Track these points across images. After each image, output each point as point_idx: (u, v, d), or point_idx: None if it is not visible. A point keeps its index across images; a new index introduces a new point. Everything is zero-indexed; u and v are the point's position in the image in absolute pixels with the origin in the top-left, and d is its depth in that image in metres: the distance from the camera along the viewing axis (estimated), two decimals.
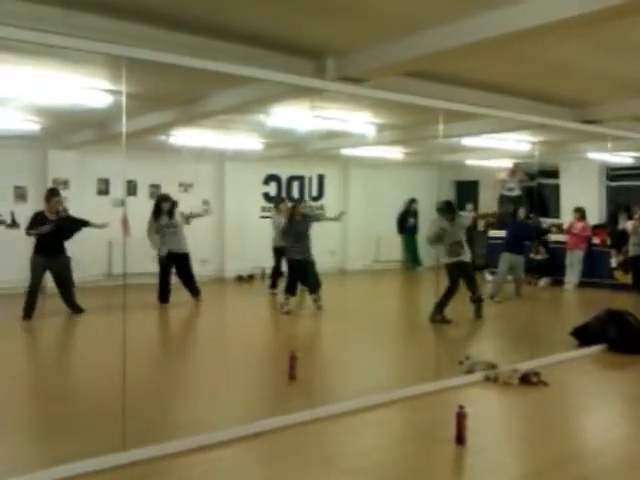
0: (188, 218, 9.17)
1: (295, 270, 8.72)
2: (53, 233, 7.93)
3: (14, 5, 3.78)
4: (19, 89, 5.90)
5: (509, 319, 8.64)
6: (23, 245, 9.99)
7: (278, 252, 10.01)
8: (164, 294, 8.95)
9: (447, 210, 8.09)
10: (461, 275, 8.05)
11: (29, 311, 8.00)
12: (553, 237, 12.07)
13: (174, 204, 9.09)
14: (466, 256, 8.07)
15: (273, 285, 10.31)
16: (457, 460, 3.84)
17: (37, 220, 7.98)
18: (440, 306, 7.83)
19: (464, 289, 8.14)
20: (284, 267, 9.63)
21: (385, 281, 12.99)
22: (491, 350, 6.80)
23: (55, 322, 8.20)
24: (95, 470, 3.45)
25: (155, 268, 9.04)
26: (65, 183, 10.56)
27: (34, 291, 8.07)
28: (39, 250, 8.08)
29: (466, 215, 8.48)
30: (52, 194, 8.17)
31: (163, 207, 8.98)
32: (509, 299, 9.78)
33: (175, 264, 9.02)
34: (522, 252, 9.98)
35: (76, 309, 8.36)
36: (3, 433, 4.19)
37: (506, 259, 9.84)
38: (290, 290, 8.71)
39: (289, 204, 9.83)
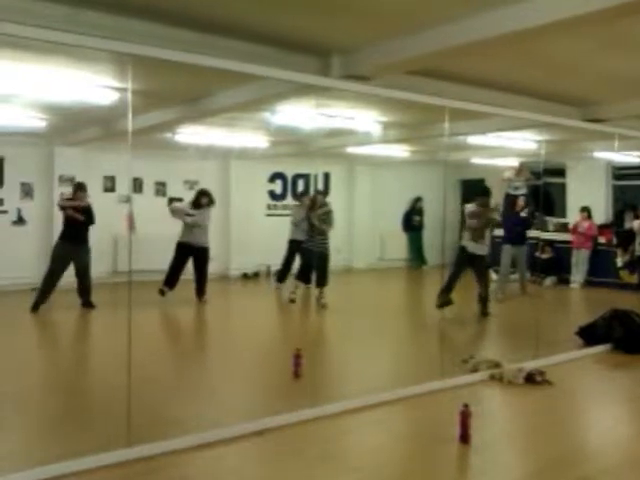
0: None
1: (310, 260, 8.73)
2: (80, 221, 8.18)
3: (20, 2, 3.79)
4: (26, 86, 5.91)
5: (514, 318, 8.62)
6: (30, 242, 10.08)
7: (293, 245, 9.96)
8: (171, 279, 8.92)
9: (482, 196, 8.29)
10: (473, 267, 8.08)
11: (39, 303, 8.08)
12: (559, 236, 12.06)
13: (212, 202, 9.19)
14: (483, 250, 8.11)
15: (280, 279, 10.24)
16: (461, 459, 3.84)
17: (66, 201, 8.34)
18: (446, 291, 7.87)
19: (466, 286, 8.17)
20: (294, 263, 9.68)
21: (390, 279, 12.98)
22: (496, 349, 6.80)
23: (61, 318, 8.24)
24: (99, 466, 3.46)
25: (161, 265, 9.05)
26: (71, 180, 10.58)
27: (52, 280, 8.17)
28: (65, 237, 8.26)
29: (496, 206, 8.63)
30: (79, 189, 8.48)
31: (202, 202, 9.05)
32: (514, 297, 9.77)
33: (194, 257, 9.03)
34: (523, 243, 9.90)
35: (88, 304, 8.45)
36: (9, 428, 4.21)
37: (507, 250, 9.88)
38: (302, 278, 8.79)
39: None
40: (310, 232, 8.79)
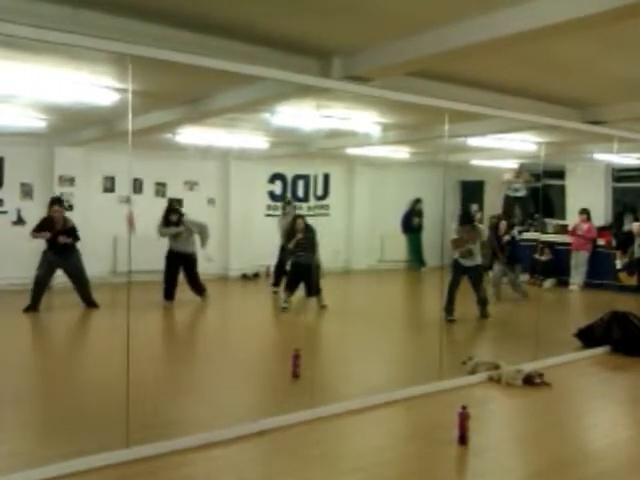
0: None
1: (297, 273, 8.83)
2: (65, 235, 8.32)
3: (20, 3, 3.79)
4: (26, 86, 5.91)
5: (513, 319, 8.63)
6: (30, 242, 10.07)
7: (284, 250, 10.00)
8: (170, 291, 9.01)
9: (463, 220, 8.36)
10: (467, 277, 8.13)
11: (31, 307, 8.14)
12: (558, 238, 12.07)
13: (182, 215, 9.25)
14: (475, 261, 8.12)
15: (276, 283, 10.30)
16: (459, 461, 3.84)
17: (44, 224, 8.34)
18: (450, 303, 7.91)
19: (465, 287, 8.17)
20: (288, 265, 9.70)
21: (389, 281, 12.98)
22: (494, 350, 6.80)
23: (62, 318, 8.24)
24: (99, 466, 3.47)
25: (161, 265, 9.06)
26: (71, 180, 10.60)
27: (40, 286, 8.26)
28: (52, 249, 8.35)
29: (483, 228, 8.65)
30: (52, 203, 8.56)
31: (171, 218, 9.09)
32: (513, 299, 9.77)
33: (182, 263, 9.10)
34: (512, 263, 9.95)
35: (91, 304, 8.52)
36: (9, 429, 4.22)
37: (496, 268, 10.02)
38: (290, 288, 8.86)
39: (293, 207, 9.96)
40: (296, 247, 8.83)
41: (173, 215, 9.16)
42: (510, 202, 12.20)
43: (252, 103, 6.14)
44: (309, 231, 8.97)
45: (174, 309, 8.90)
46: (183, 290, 9.12)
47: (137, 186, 11.27)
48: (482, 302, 8.24)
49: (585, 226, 11.38)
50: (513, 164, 12.42)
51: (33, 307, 8.14)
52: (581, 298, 10.98)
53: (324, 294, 8.82)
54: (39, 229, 8.32)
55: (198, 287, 9.20)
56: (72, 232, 8.40)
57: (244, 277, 12.23)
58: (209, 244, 9.43)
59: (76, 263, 8.45)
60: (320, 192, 13.65)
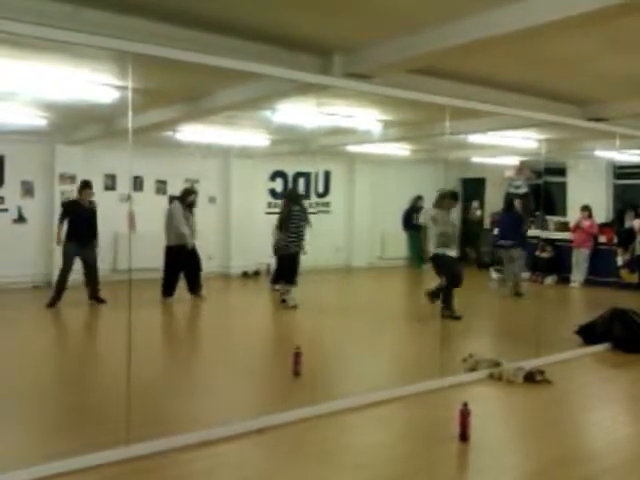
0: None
1: (288, 263, 8.80)
2: (87, 220, 8.43)
3: (22, 0, 3.78)
4: (26, 84, 5.91)
5: (514, 317, 8.63)
6: (31, 240, 10.09)
7: None
8: (170, 287, 8.95)
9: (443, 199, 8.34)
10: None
11: (55, 300, 8.26)
12: (559, 235, 12.07)
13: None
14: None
15: (276, 281, 10.26)
16: (460, 458, 3.84)
17: (72, 206, 8.53)
18: (446, 302, 7.84)
19: (470, 285, 8.18)
20: None
21: (390, 278, 12.98)
22: (495, 348, 6.80)
23: (62, 315, 8.24)
24: (98, 464, 3.46)
25: (161, 263, 9.02)
26: (72, 178, 10.58)
27: (64, 278, 8.34)
28: (71, 237, 8.40)
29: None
30: (85, 186, 8.71)
31: (190, 199, 9.11)
32: (509, 297, 9.77)
33: (185, 256, 8.94)
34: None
35: (97, 299, 8.54)
36: (7, 426, 4.22)
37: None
38: (291, 280, 8.86)
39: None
40: (291, 233, 8.74)
41: (191, 195, 9.17)
42: (511, 199, 12.18)
43: (253, 101, 6.14)
44: (303, 212, 8.96)
45: (174, 307, 8.89)
46: (183, 289, 9.10)
47: (138, 184, 11.26)
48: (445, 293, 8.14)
49: (586, 223, 11.38)
50: (514, 161, 12.41)
51: (52, 303, 8.21)
52: (582, 295, 10.98)
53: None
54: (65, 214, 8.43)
55: (197, 282, 9.14)
56: (93, 216, 8.58)
57: (245, 275, 12.23)
58: (209, 241, 9.36)
59: (93, 252, 8.54)
60: (321, 189, 13.64)
